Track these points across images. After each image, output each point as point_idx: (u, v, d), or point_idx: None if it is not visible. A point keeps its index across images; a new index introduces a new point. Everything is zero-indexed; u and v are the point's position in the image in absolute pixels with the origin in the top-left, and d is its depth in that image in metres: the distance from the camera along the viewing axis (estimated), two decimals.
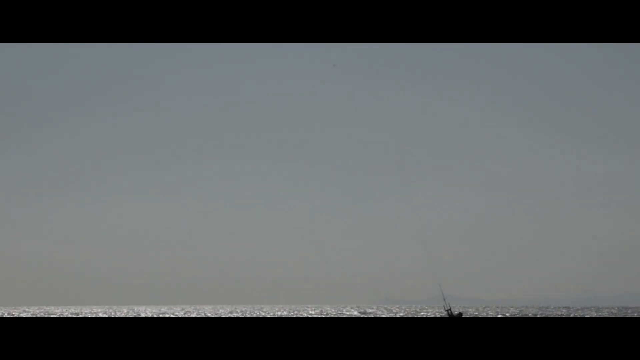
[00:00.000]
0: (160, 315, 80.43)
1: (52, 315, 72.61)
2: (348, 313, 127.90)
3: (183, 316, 79.57)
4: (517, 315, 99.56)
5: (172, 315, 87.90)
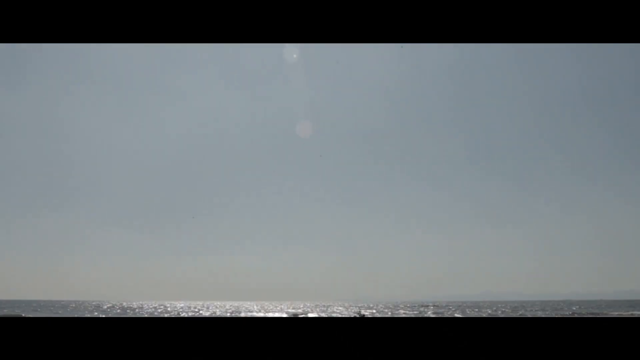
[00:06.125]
0: (160, 316, 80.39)
1: (52, 316, 72.49)
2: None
3: (183, 316, 79.51)
4: (515, 315, 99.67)
5: (171, 316, 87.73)
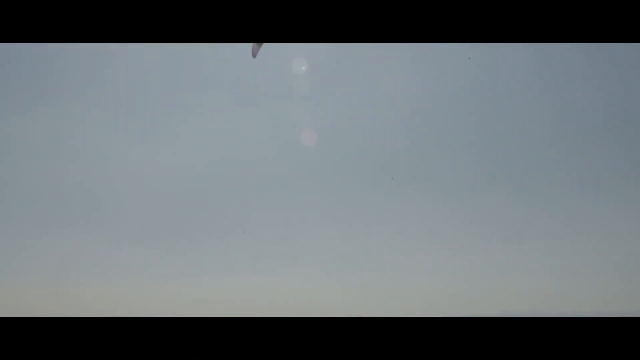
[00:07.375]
0: (160, 316, 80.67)
1: (52, 316, 72.66)
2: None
3: (183, 316, 79.86)
4: (515, 315, 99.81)
5: (171, 315, 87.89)
